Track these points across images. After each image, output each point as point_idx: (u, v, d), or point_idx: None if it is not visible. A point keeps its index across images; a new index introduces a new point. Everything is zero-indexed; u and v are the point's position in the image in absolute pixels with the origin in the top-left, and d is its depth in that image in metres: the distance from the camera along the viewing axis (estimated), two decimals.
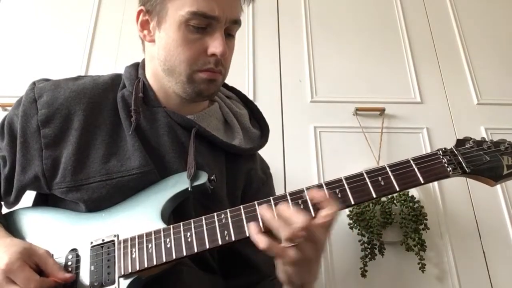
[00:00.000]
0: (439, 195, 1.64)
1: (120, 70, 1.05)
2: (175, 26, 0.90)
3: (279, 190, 1.17)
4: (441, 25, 2.03)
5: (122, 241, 0.81)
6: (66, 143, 0.89)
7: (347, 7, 2.05)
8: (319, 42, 1.96)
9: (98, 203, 0.87)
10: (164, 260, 0.76)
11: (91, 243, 0.83)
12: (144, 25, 0.97)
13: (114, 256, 0.80)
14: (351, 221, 1.51)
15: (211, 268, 0.93)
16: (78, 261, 0.82)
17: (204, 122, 1.01)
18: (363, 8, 2.05)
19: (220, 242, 0.76)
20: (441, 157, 0.78)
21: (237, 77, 1.60)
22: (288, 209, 0.73)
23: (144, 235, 0.80)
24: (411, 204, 1.51)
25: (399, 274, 1.52)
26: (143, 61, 1.04)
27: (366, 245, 1.48)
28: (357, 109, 1.77)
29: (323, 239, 0.72)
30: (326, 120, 1.78)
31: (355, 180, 0.76)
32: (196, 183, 0.86)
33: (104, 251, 0.81)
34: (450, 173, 0.76)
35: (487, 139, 0.80)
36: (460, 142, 0.80)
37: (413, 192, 1.55)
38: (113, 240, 0.82)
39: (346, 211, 1.52)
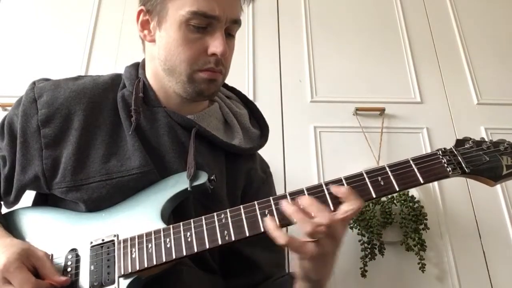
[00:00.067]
0: (439, 195, 1.64)
1: (120, 70, 1.05)
2: (176, 25, 0.90)
3: (279, 190, 1.17)
4: (441, 25, 2.03)
5: (122, 241, 0.81)
6: (66, 143, 0.89)
7: (347, 7, 2.05)
8: (319, 42, 1.96)
9: (98, 203, 0.87)
10: (164, 260, 0.76)
11: (91, 243, 0.83)
12: (145, 25, 0.97)
13: (114, 256, 0.80)
14: (351, 221, 1.51)
15: (211, 268, 0.93)
16: (77, 261, 0.82)
17: (204, 122, 1.01)
18: (363, 8, 2.05)
19: (220, 242, 0.75)
20: (441, 157, 0.78)
21: (237, 77, 1.60)
22: (311, 204, 0.73)
23: (144, 235, 0.80)
24: (411, 204, 1.51)
25: (399, 274, 1.52)
26: (143, 61, 1.04)
27: (366, 245, 1.48)
28: (357, 109, 1.77)
29: (341, 234, 0.72)
30: (326, 120, 1.78)
31: (355, 180, 0.76)
32: (196, 183, 0.86)
33: (104, 251, 0.81)
34: (450, 173, 0.76)
35: (486, 139, 0.80)
36: (459, 142, 0.80)
37: (413, 192, 1.55)
38: (113, 240, 0.82)
39: None
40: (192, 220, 0.79)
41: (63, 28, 1.96)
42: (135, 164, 0.87)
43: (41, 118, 0.90)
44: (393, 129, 1.76)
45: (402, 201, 1.52)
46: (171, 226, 0.79)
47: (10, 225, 0.90)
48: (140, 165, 0.87)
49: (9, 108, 1.08)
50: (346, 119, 1.78)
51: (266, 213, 0.76)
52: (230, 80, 1.07)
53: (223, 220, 0.77)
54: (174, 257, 0.76)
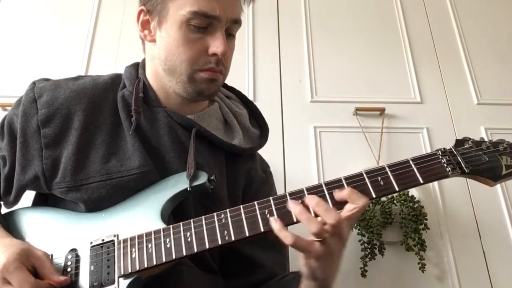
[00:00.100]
0: (439, 195, 1.64)
1: (120, 70, 1.05)
2: (176, 25, 0.90)
3: (279, 190, 1.17)
4: (441, 25, 2.03)
5: (122, 241, 0.81)
6: (66, 143, 0.89)
7: (347, 7, 2.05)
8: (319, 42, 1.96)
9: (98, 203, 0.87)
10: (164, 260, 0.76)
11: (91, 243, 0.83)
12: (145, 25, 0.97)
13: (114, 256, 0.80)
14: None
15: (211, 268, 0.93)
16: (77, 261, 0.82)
17: (204, 122, 1.01)
18: (363, 8, 2.05)
19: (220, 242, 0.75)
20: (440, 157, 0.78)
21: (237, 77, 1.60)
22: (318, 205, 0.73)
23: (144, 235, 0.80)
24: (411, 204, 1.51)
25: (399, 274, 1.52)
26: (143, 61, 1.04)
27: (366, 245, 1.48)
28: (357, 109, 1.77)
29: (347, 233, 0.72)
30: (326, 120, 1.78)
31: (355, 180, 0.76)
32: (195, 183, 0.86)
33: (103, 251, 0.81)
34: (449, 173, 0.76)
35: (486, 139, 0.80)
36: (459, 142, 0.80)
37: (413, 192, 1.55)
38: (112, 240, 0.82)
39: None
40: (192, 220, 0.79)
41: (63, 28, 1.96)
42: (135, 164, 0.87)
43: (41, 118, 0.90)
44: (393, 129, 1.76)
45: (402, 201, 1.52)
46: (171, 226, 0.79)
47: (10, 225, 0.90)
48: (140, 165, 0.87)
49: (9, 108, 1.08)
50: (346, 119, 1.78)
51: (266, 213, 0.76)
52: (230, 80, 1.07)
53: (223, 220, 0.77)
54: (174, 257, 0.76)
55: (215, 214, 0.78)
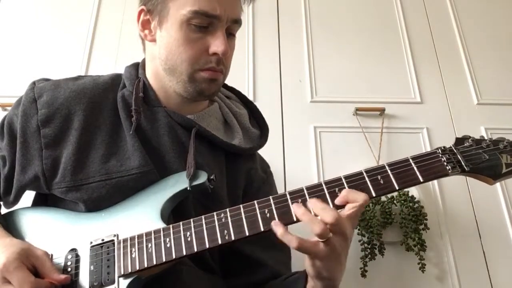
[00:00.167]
0: (439, 195, 1.64)
1: (120, 70, 1.06)
2: (177, 25, 0.91)
3: (279, 190, 1.17)
4: (441, 25, 2.03)
5: (121, 241, 0.81)
6: (66, 143, 0.89)
7: (347, 7, 2.05)
8: (319, 42, 1.96)
9: (97, 203, 0.87)
10: (163, 260, 0.76)
11: (91, 243, 0.83)
12: (145, 25, 0.98)
13: (114, 256, 0.80)
14: None
15: (211, 268, 0.93)
16: (77, 261, 0.82)
17: (204, 122, 1.01)
18: (363, 8, 2.05)
19: (220, 242, 0.75)
20: (440, 155, 0.78)
21: (237, 77, 1.60)
22: (315, 205, 0.73)
23: (144, 234, 0.80)
24: (411, 204, 1.51)
25: (399, 274, 1.52)
26: (143, 61, 1.04)
27: (366, 245, 1.48)
28: (357, 109, 1.77)
29: (350, 231, 0.72)
30: (326, 120, 1.78)
31: (355, 179, 0.76)
32: (195, 183, 0.86)
33: (103, 251, 0.81)
34: (449, 171, 0.76)
35: (486, 138, 0.80)
36: (459, 141, 0.80)
37: (413, 192, 1.55)
38: (112, 240, 0.82)
39: None
40: (192, 220, 0.79)
41: (63, 28, 1.96)
42: (135, 164, 0.87)
43: (41, 118, 0.90)
44: (393, 129, 1.76)
45: (402, 201, 1.52)
46: (170, 226, 0.79)
47: (9, 225, 0.90)
48: (140, 165, 0.87)
49: (9, 108, 1.08)
50: (346, 119, 1.78)
51: (266, 212, 0.76)
52: (230, 80, 1.07)
53: (223, 220, 0.77)
54: (174, 257, 0.76)
55: (215, 213, 0.78)
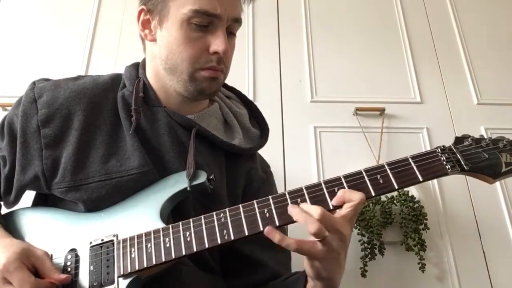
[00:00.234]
0: (439, 195, 1.64)
1: (120, 70, 1.06)
2: (177, 24, 0.91)
3: (279, 190, 1.17)
4: (441, 25, 2.03)
5: (121, 241, 0.81)
6: (66, 143, 0.89)
7: (347, 7, 2.05)
8: (319, 42, 1.96)
9: (97, 203, 0.87)
10: (163, 260, 0.76)
11: (90, 243, 0.83)
12: (145, 24, 0.98)
13: (113, 256, 0.80)
14: None
15: (211, 268, 0.93)
16: (77, 261, 0.82)
17: (204, 122, 1.01)
18: (363, 8, 2.05)
19: (219, 242, 0.75)
20: (440, 154, 0.78)
21: (237, 77, 1.60)
22: (307, 207, 0.73)
23: (143, 234, 0.80)
24: (411, 204, 1.51)
25: (399, 274, 1.52)
26: (143, 61, 1.04)
27: (366, 245, 1.48)
28: (357, 109, 1.77)
29: (348, 231, 0.72)
30: (326, 120, 1.78)
31: (354, 179, 0.76)
32: (195, 183, 0.86)
33: (103, 251, 0.81)
34: (449, 170, 0.76)
35: (485, 137, 0.80)
36: (458, 140, 0.80)
37: (413, 192, 1.55)
38: (112, 240, 0.82)
39: None
40: (191, 220, 0.79)
41: (63, 28, 1.96)
42: (134, 164, 0.87)
43: (41, 118, 0.90)
44: (393, 129, 1.76)
45: (402, 201, 1.52)
46: (170, 225, 0.79)
47: (9, 225, 0.90)
48: (140, 165, 0.87)
49: (9, 108, 1.08)
50: (346, 119, 1.78)
51: (266, 212, 0.76)
52: (230, 80, 1.07)
53: (222, 220, 0.77)
54: (173, 256, 0.76)
55: (214, 213, 0.78)
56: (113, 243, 0.81)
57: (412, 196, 1.53)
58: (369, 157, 1.67)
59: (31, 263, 0.77)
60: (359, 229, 1.51)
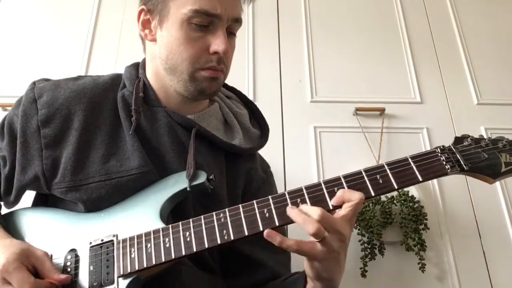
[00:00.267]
0: (439, 195, 1.64)
1: (120, 70, 1.06)
2: (178, 24, 0.91)
3: (279, 190, 1.17)
4: (441, 25, 2.03)
5: (121, 241, 0.81)
6: (66, 143, 0.89)
7: (347, 7, 2.05)
8: (319, 42, 1.96)
9: (97, 203, 0.87)
10: (163, 260, 0.76)
11: (90, 243, 0.83)
12: (146, 24, 0.98)
13: (113, 256, 0.80)
14: None
15: (211, 268, 0.93)
16: (77, 261, 0.82)
17: (204, 122, 1.01)
18: (363, 8, 2.05)
19: (219, 242, 0.75)
20: (439, 154, 0.77)
21: (237, 77, 1.60)
22: (306, 208, 0.73)
23: (143, 235, 0.80)
24: (411, 204, 1.51)
25: (399, 274, 1.52)
26: (143, 61, 1.04)
27: (366, 245, 1.48)
28: (357, 109, 1.77)
29: (348, 231, 0.72)
30: (326, 120, 1.78)
31: (354, 179, 0.76)
32: (195, 183, 0.86)
33: (103, 251, 0.81)
34: (448, 170, 0.76)
35: (485, 137, 0.80)
36: (458, 140, 0.80)
37: (413, 192, 1.55)
38: (112, 240, 0.82)
39: None
40: (191, 220, 0.79)
41: (63, 28, 1.96)
42: (134, 165, 0.87)
43: (41, 118, 0.90)
44: (393, 129, 1.77)
45: (402, 201, 1.52)
46: (170, 226, 0.79)
47: (9, 225, 0.90)
48: (139, 165, 0.87)
49: (9, 108, 1.08)
50: (346, 119, 1.78)
51: (265, 212, 0.76)
52: (230, 80, 1.07)
53: (222, 220, 0.77)
54: (173, 257, 0.76)
55: (214, 213, 0.78)
56: (113, 243, 0.81)
57: (412, 196, 1.53)
58: (369, 157, 1.67)
59: (31, 263, 0.77)
60: (359, 229, 1.51)
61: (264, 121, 1.12)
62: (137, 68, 1.04)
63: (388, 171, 0.76)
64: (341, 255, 0.73)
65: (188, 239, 0.77)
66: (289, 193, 0.77)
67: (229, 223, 0.76)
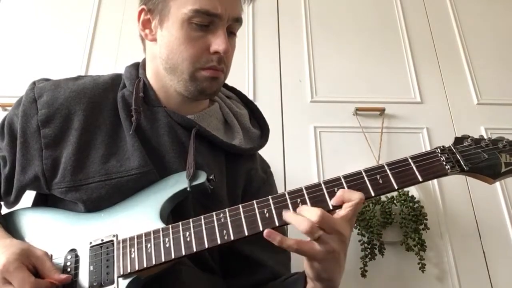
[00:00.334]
0: (439, 195, 1.64)
1: (120, 70, 1.06)
2: (178, 24, 0.91)
3: (279, 190, 1.17)
4: (441, 25, 2.03)
5: (121, 241, 0.81)
6: (66, 143, 0.89)
7: (347, 7, 2.05)
8: (319, 42, 1.96)
9: (97, 203, 0.87)
10: (163, 260, 0.76)
11: (90, 243, 0.83)
12: (146, 24, 0.98)
13: (113, 256, 0.80)
14: None
15: (211, 268, 0.93)
16: (77, 261, 0.82)
17: (204, 122, 1.01)
18: (363, 8, 2.05)
19: (219, 242, 0.75)
20: (439, 155, 0.77)
21: (237, 77, 1.60)
22: (300, 208, 0.73)
23: (143, 235, 0.80)
24: (411, 204, 1.51)
25: (399, 274, 1.52)
26: (144, 61, 1.04)
27: (366, 245, 1.48)
28: (357, 109, 1.77)
29: (347, 231, 0.72)
30: (326, 120, 1.78)
31: (354, 179, 0.76)
32: (195, 183, 0.86)
33: (103, 251, 0.81)
34: (448, 171, 0.76)
35: (485, 137, 0.80)
36: (458, 140, 0.80)
37: (413, 192, 1.55)
38: (112, 240, 0.82)
39: None
40: (191, 220, 0.79)
41: (63, 28, 1.96)
42: (134, 165, 0.87)
43: (41, 118, 0.90)
44: (393, 129, 1.77)
45: (402, 201, 1.52)
46: (170, 226, 0.79)
47: (10, 225, 0.90)
48: (139, 165, 0.87)
49: (9, 108, 1.08)
50: (346, 119, 1.78)
51: (265, 212, 0.76)
52: (230, 80, 1.07)
53: (222, 220, 0.77)
54: (173, 257, 0.76)
55: (214, 213, 0.78)
56: (113, 243, 0.81)
57: (412, 196, 1.53)
58: (369, 157, 1.67)
59: (31, 263, 0.77)
60: (359, 229, 1.51)
61: (264, 121, 1.12)
62: (137, 68, 1.04)
63: (388, 171, 0.76)
64: (341, 255, 0.73)
65: (188, 239, 0.77)
66: (289, 193, 0.77)
67: (229, 223, 0.76)
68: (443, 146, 0.79)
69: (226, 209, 0.78)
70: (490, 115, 1.81)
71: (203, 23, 0.90)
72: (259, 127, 1.11)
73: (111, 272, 0.78)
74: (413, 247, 1.48)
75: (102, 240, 0.82)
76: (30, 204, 0.98)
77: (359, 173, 0.77)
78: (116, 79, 1.01)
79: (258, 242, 0.92)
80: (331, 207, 0.74)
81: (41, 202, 0.97)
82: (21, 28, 1.95)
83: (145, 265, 0.77)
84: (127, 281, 0.77)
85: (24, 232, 0.89)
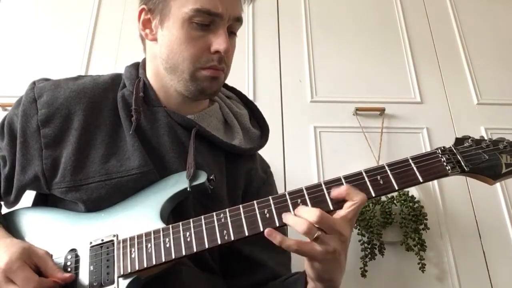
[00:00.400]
0: (439, 195, 1.64)
1: (120, 70, 1.05)
2: (179, 23, 0.91)
3: (279, 190, 1.17)
4: (441, 25, 2.03)
5: (121, 241, 0.81)
6: (66, 143, 0.89)
7: (347, 7, 2.05)
8: (319, 42, 1.96)
9: (97, 203, 0.87)
10: (163, 260, 0.76)
11: (90, 243, 0.83)
12: (146, 24, 0.98)
13: (114, 256, 0.80)
14: None
15: (211, 268, 0.93)
16: (77, 261, 0.82)
17: (204, 122, 1.01)
18: (363, 8, 2.05)
19: (219, 242, 0.75)
20: (440, 155, 0.77)
21: (237, 77, 1.60)
22: (298, 210, 0.73)
23: (143, 235, 0.80)
24: (411, 204, 1.51)
25: (399, 274, 1.52)
26: (144, 60, 1.04)
27: (366, 245, 1.48)
28: (357, 109, 1.77)
29: (348, 231, 0.72)
30: (326, 120, 1.78)
31: (354, 179, 0.76)
32: (195, 183, 0.86)
33: (103, 251, 0.81)
34: (449, 171, 0.76)
35: (486, 138, 0.80)
36: (458, 141, 0.80)
37: (413, 192, 1.55)
38: (112, 240, 0.82)
39: None
40: (191, 220, 0.79)
41: (63, 28, 1.96)
42: (135, 165, 0.87)
43: (41, 118, 0.90)
44: (393, 129, 1.77)
45: (402, 201, 1.52)
46: (170, 226, 0.79)
47: (10, 225, 0.90)
48: (140, 165, 0.87)
49: (9, 108, 1.08)
50: (346, 119, 1.78)
51: (266, 212, 0.76)
52: (230, 80, 1.07)
53: (222, 220, 0.77)
54: (173, 257, 0.76)
55: (214, 214, 0.78)
56: (113, 243, 0.81)
57: (412, 196, 1.53)
58: (369, 157, 1.67)
59: (33, 262, 0.77)
60: (359, 229, 1.51)
61: (264, 121, 1.12)
62: (137, 68, 1.04)
63: (389, 172, 0.76)
64: (342, 256, 0.73)
65: (189, 239, 0.77)
66: (289, 193, 0.77)
67: (229, 223, 0.76)
68: (443, 147, 0.79)
69: (227, 209, 0.78)
70: (490, 115, 1.81)
71: (204, 22, 0.90)
72: (259, 127, 1.11)
73: (111, 272, 0.78)
74: (413, 247, 1.48)
75: (102, 240, 0.82)
76: (30, 204, 0.98)
77: (360, 173, 0.77)
78: (116, 79, 1.01)
79: (258, 242, 0.92)
80: (331, 208, 0.74)
81: (41, 202, 0.97)
82: (21, 28, 1.95)
83: (145, 265, 0.77)
84: (127, 281, 0.77)
85: (24, 232, 0.89)
